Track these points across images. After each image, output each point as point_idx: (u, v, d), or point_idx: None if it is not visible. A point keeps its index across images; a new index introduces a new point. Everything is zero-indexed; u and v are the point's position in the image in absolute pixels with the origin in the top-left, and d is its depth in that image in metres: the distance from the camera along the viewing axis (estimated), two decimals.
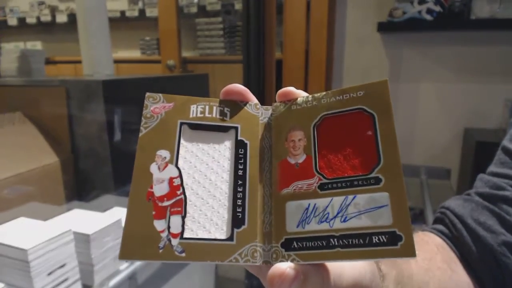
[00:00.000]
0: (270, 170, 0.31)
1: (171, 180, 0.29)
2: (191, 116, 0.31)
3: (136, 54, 3.61)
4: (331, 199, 0.27)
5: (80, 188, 1.07)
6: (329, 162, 0.29)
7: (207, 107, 0.32)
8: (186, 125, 0.31)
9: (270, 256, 0.28)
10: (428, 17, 2.21)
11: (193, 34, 3.30)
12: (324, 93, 0.31)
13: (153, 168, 0.29)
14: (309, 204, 0.28)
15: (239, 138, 0.31)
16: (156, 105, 0.31)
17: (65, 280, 0.71)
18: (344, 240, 0.25)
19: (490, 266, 0.49)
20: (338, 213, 0.27)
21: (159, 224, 0.27)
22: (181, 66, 3.09)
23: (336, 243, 0.26)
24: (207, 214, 0.29)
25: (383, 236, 0.24)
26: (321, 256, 0.26)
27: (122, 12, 3.52)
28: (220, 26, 3.14)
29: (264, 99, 2.04)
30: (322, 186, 0.28)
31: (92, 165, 1.04)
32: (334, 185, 0.28)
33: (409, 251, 0.24)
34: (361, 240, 0.25)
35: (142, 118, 0.30)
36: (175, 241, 0.26)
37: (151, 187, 0.28)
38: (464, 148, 2.38)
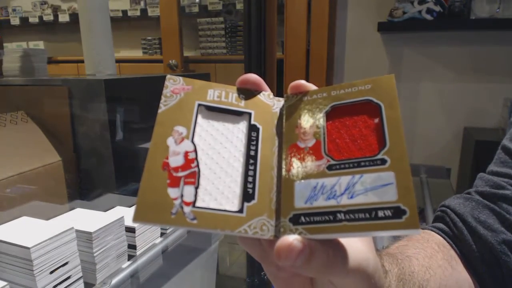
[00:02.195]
0: (280, 154, 0.32)
1: (186, 153, 0.30)
2: (208, 98, 0.33)
3: (138, 53, 3.62)
4: (339, 178, 0.28)
5: (82, 187, 1.08)
6: (338, 145, 0.31)
7: (223, 92, 0.34)
8: (203, 106, 0.33)
9: (278, 231, 0.28)
10: (428, 17, 2.21)
11: (195, 34, 3.30)
12: (334, 86, 0.33)
13: (170, 141, 0.30)
14: (317, 183, 0.29)
15: (252, 122, 0.33)
16: (176, 86, 0.33)
17: (68, 278, 0.71)
18: (350, 215, 0.26)
19: (490, 264, 0.49)
20: (345, 190, 0.28)
21: (173, 192, 0.28)
22: (182, 65, 3.10)
23: (343, 217, 0.26)
24: (219, 188, 0.30)
25: (389, 211, 0.25)
26: (328, 229, 0.27)
27: (124, 12, 3.53)
28: (221, 26, 3.15)
29: None
30: (330, 167, 0.29)
31: (94, 164, 1.04)
32: (342, 166, 0.29)
33: (413, 224, 0.24)
34: (367, 214, 0.26)
35: (162, 97, 0.32)
36: (187, 209, 0.27)
37: (167, 158, 0.29)
38: (464, 147, 2.38)
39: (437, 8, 2.20)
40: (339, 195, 0.28)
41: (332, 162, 0.30)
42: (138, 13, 3.50)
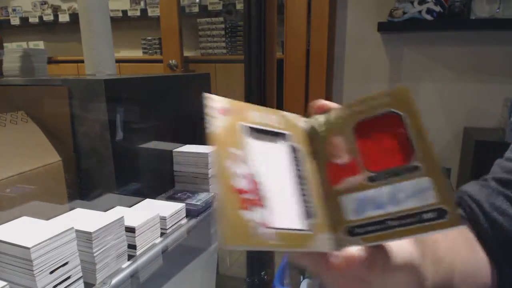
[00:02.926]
0: (321, 172, 0.35)
1: (249, 176, 0.31)
2: (251, 120, 0.34)
3: (138, 53, 3.62)
4: (381, 189, 0.31)
5: (82, 187, 1.08)
6: (371, 158, 0.33)
7: (262, 114, 0.35)
8: (249, 128, 0.33)
9: (338, 243, 0.31)
10: (428, 17, 2.21)
11: (195, 34, 3.30)
12: (355, 101, 0.35)
13: (232, 165, 0.30)
14: (362, 195, 0.32)
15: (292, 143, 0.35)
16: (219, 107, 0.33)
17: (68, 278, 0.71)
18: (399, 221, 0.29)
19: (505, 248, 0.51)
20: (389, 199, 0.31)
21: (247, 215, 0.28)
22: (182, 65, 3.10)
23: (394, 224, 0.30)
24: (283, 208, 0.31)
25: (432, 213, 0.29)
26: (383, 237, 0.30)
27: (124, 12, 3.53)
28: (221, 26, 3.15)
29: (265, 98, 2.05)
30: (370, 179, 0.32)
31: (94, 164, 1.04)
32: (381, 177, 0.32)
33: (457, 222, 0.28)
34: (414, 219, 0.29)
35: (208, 118, 0.31)
36: (264, 230, 0.28)
37: (234, 183, 0.29)
38: (464, 147, 2.38)
39: (437, 8, 2.20)
40: (385, 204, 0.30)
41: (371, 174, 0.32)
42: (138, 13, 3.50)
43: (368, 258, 0.29)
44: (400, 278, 0.34)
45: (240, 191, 0.29)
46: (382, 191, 0.31)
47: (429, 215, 0.29)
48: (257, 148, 0.33)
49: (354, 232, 0.31)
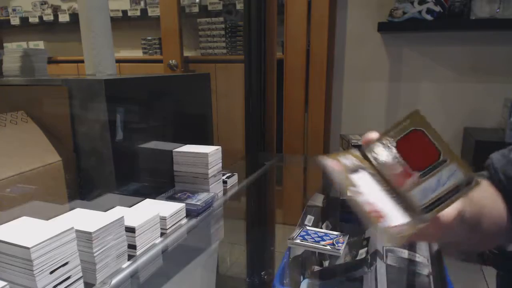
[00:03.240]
0: (389, 182, 0.54)
1: (368, 203, 0.50)
2: (346, 164, 0.55)
3: (138, 53, 3.61)
4: (430, 179, 0.49)
5: (82, 187, 1.08)
6: (415, 162, 0.51)
7: (349, 159, 0.56)
8: (348, 170, 0.54)
9: (421, 220, 0.48)
10: (428, 17, 2.21)
11: (195, 34, 3.30)
12: (386, 130, 0.54)
13: (358, 198, 0.50)
14: (422, 187, 0.50)
15: (369, 171, 0.55)
16: (333, 164, 0.55)
17: (68, 278, 0.71)
18: (449, 195, 0.48)
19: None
20: (438, 184, 0.49)
21: (382, 224, 0.48)
22: (182, 65, 3.10)
23: (446, 198, 0.48)
24: (392, 212, 0.50)
25: (464, 184, 0.47)
26: (444, 207, 0.47)
27: (124, 12, 3.53)
28: (221, 26, 3.15)
29: (265, 98, 2.05)
30: (421, 176, 0.50)
31: (94, 164, 1.04)
32: (427, 172, 0.50)
33: (479, 183, 0.46)
34: (455, 191, 0.47)
35: (332, 173, 0.53)
36: (394, 229, 0.47)
37: (365, 208, 0.49)
38: (464, 147, 2.38)
39: (437, 8, 2.20)
40: (437, 188, 0.48)
41: (420, 173, 0.50)
42: (138, 13, 3.49)
43: (440, 220, 0.48)
44: (456, 221, 0.50)
45: (370, 212, 0.48)
46: (432, 181, 0.49)
47: (463, 185, 0.47)
48: (358, 181, 0.53)
49: (427, 210, 0.48)
